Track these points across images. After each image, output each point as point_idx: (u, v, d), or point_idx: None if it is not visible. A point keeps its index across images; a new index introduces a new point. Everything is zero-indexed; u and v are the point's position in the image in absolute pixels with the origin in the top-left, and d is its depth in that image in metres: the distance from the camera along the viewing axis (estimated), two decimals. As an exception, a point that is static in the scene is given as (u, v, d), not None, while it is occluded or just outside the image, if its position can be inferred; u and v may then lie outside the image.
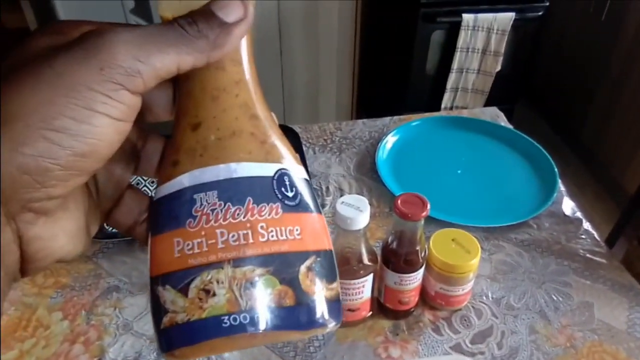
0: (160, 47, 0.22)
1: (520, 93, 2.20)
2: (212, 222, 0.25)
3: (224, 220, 0.25)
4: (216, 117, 0.26)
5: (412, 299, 0.65)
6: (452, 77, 1.91)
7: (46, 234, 0.23)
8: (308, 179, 0.29)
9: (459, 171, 0.92)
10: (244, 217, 0.25)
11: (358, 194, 0.87)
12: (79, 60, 0.21)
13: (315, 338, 0.65)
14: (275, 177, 0.26)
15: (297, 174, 0.28)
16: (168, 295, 0.25)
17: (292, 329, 0.25)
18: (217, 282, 0.25)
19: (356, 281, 0.59)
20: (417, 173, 0.91)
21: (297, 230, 0.27)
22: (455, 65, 1.88)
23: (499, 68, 1.89)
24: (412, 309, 0.67)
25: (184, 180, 0.26)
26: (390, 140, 0.96)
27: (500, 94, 1.98)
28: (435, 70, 1.96)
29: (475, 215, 0.81)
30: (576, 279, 0.72)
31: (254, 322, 0.25)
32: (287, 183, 0.27)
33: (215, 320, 0.24)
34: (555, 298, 0.70)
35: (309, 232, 0.27)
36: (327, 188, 0.88)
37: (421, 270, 0.62)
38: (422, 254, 0.62)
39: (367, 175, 0.90)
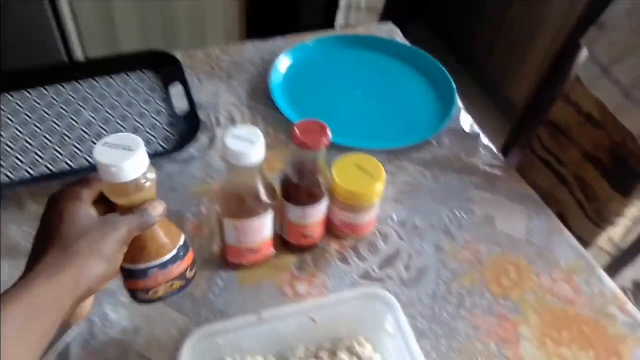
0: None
1: (413, 12, 2.17)
2: None
3: None
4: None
5: (317, 232, 0.61)
6: (344, -5, 1.83)
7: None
8: None
9: (357, 92, 0.87)
10: None
11: (252, 123, 0.80)
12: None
13: (214, 284, 0.59)
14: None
15: None
16: None
17: None
18: None
19: (254, 219, 0.54)
20: (314, 97, 0.85)
21: None
22: (347, -18, 1.79)
23: (391, -16, 1.83)
24: (317, 243, 0.63)
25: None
26: (283, 62, 0.88)
27: (394, 12, 1.94)
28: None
29: (377, 137, 0.78)
30: (478, 194, 0.72)
31: None
32: None
33: None
34: (459, 215, 0.69)
35: None
36: (217, 119, 0.79)
37: (325, 202, 0.58)
38: (325, 185, 0.57)
39: (261, 102, 0.83)
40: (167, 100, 0.82)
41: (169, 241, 0.44)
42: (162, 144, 0.75)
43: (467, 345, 0.56)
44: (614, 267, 0.80)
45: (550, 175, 0.88)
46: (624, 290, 1.47)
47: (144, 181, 0.40)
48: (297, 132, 0.52)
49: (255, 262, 0.60)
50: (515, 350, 0.56)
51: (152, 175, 0.41)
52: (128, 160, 0.38)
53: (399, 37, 1.00)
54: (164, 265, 0.45)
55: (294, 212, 0.57)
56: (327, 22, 1.90)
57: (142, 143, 0.39)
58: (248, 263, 0.60)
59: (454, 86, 0.86)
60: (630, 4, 0.74)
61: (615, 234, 0.84)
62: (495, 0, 2.03)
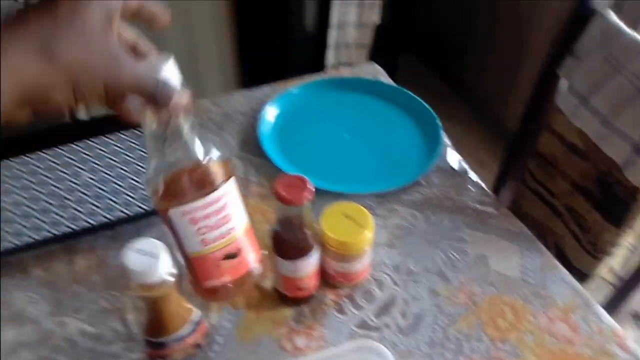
0: None
1: (402, 44, 2.21)
2: None
3: None
4: None
5: (311, 283, 0.61)
6: (332, 34, 1.87)
7: None
8: None
9: (345, 135, 0.89)
10: None
11: (244, 173, 0.81)
12: None
13: (214, 342, 0.60)
14: None
15: None
16: None
17: None
18: None
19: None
20: (303, 143, 0.87)
21: None
22: (334, 19, 1.84)
23: (376, 18, 1.88)
24: (313, 294, 0.64)
25: None
26: (270, 111, 0.90)
27: (383, 47, 1.98)
28: (315, 26, 1.90)
29: (367, 180, 0.79)
30: (470, 233, 0.73)
31: None
32: None
33: None
34: (452, 256, 0.70)
35: None
36: (211, 173, 0.81)
37: (315, 254, 0.59)
38: (314, 237, 0.58)
39: (253, 152, 0.84)
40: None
41: (182, 318, 0.54)
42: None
43: (467, 391, 0.56)
44: (618, 297, 0.80)
45: (543, 206, 0.89)
46: (636, 315, 1.45)
47: None
48: (279, 188, 0.53)
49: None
50: (516, 394, 0.56)
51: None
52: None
53: (382, 76, 1.02)
54: (179, 339, 0.54)
55: (286, 266, 0.58)
56: (318, 61, 1.94)
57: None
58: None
59: (439, 124, 0.88)
60: (602, 32, 0.76)
61: (615, 263, 0.85)
62: (482, 26, 2.07)
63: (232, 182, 0.47)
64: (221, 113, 0.92)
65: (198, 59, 1.84)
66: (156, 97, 0.37)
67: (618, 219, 0.75)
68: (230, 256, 0.48)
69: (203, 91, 1.88)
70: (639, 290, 0.77)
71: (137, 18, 0.39)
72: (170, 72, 0.39)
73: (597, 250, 0.79)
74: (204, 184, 0.45)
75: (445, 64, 2.36)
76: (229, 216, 0.47)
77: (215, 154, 0.46)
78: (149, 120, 0.41)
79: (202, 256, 0.47)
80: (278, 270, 0.59)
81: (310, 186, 0.53)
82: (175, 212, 0.45)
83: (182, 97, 0.39)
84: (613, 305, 0.80)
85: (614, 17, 0.76)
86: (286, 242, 0.56)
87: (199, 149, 0.45)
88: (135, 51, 0.40)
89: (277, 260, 0.58)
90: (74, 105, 0.33)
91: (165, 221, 0.47)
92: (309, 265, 0.59)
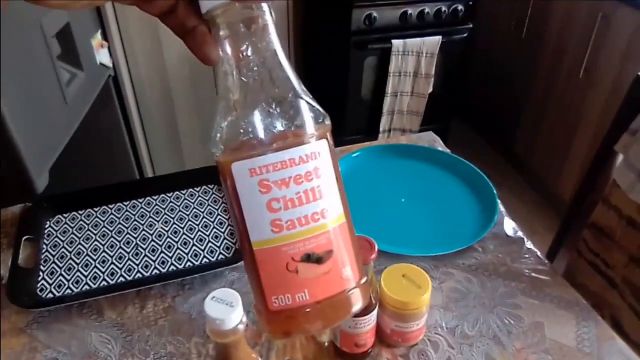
0: None
1: (454, 112, 2.27)
2: None
3: None
4: None
5: (369, 340, 0.64)
6: (387, 101, 1.95)
7: None
8: None
9: (402, 200, 0.93)
10: None
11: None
12: None
13: (272, 392, 0.62)
14: None
15: None
16: None
17: None
18: None
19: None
20: (361, 206, 0.91)
21: None
22: (389, 89, 1.92)
23: (430, 89, 1.95)
24: (369, 350, 0.66)
25: None
26: (332, 174, 0.96)
27: (435, 114, 2.04)
28: (370, 94, 1.99)
29: (423, 244, 0.82)
30: (525, 300, 0.74)
31: None
32: None
33: None
34: (507, 322, 0.71)
35: None
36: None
37: (375, 311, 0.61)
38: (374, 294, 0.61)
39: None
40: (228, 211, 0.90)
41: None
42: (223, 252, 0.82)
43: None
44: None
45: (598, 278, 0.89)
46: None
47: None
48: None
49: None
50: None
51: None
52: None
53: (439, 145, 1.06)
54: None
55: (345, 322, 0.61)
56: (371, 128, 2.01)
57: None
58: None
59: (495, 192, 0.91)
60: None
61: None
62: (536, 98, 2.10)
63: (326, 144, 0.34)
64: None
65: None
66: None
67: (678, 294, 0.74)
68: (315, 258, 0.32)
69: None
70: None
71: None
72: None
73: (657, 325, 0.78)
74: (285, 134, 0.32)
75: (498, 133, 2.39)
76: (318, 191, 0.33)
77: (308, 98, 0.34)
78: (222, 35, 0.32)
79: (272, 249, 0.32)
80: (338, 327, 0.62)
81: (375, 247, 0.57)
82: (239, 168, 0.31)
83: None
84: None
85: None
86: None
87: (287, 74, 0.33)
88: None
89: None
90: None
91: (226, 188, 0.33)
92: (369, 322, 0.61)
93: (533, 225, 1.93)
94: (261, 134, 0.31)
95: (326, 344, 0.67)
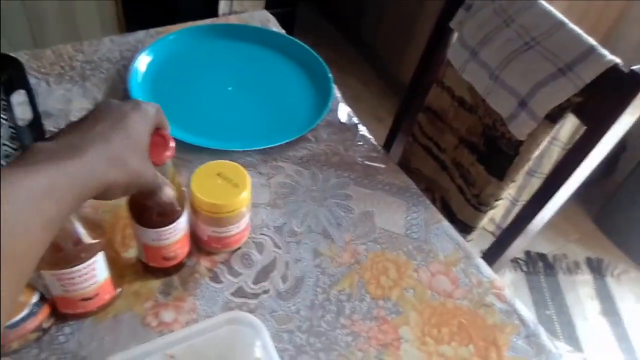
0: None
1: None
2: None
3: None
4: None
5: (180, 251, 0.55)
6: (226, -20, 1.74)
7: None
8: None
9: (229, 88, 0.81)
10: None
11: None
12: None
13: (65, 324, 0.52)
14: None
15: None
16: None
17: None
18: None
19: (78, 268, 0.46)
20: (179, 96, 0.78)
21: None
22: (228, -34, 1.71)
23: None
24: (183, 261, 0.57)
25: None
26: (144, 59, 0.80)
27: (280, -4, 1.88)
28: (207, -28, 1.76)
29: (251, 137, 0.73)
30: (356, 189, 0.70)
31: None
32: None
33: None
34: (337, 214, 0.66)
35: None
36: (70, 129, 0.70)
37: (182, 219, 0.52)
38: (179, 199, 0.51)
39: (121, 105, 0.74)
40: (9, 110, 0.71)
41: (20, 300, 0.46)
42: (2, 161, 0.65)
43: (347, 355, 0.54)
44: (498, 246, 0.82)
45: (432, 161, 0.88)
46: (517, 260, 1.54)
47: None
48: None
49: (95, 309, 0.52)
50: (396, 354, 0.54)
51: None
52: None
53: (274, 25, 0.94)
54: (15, 325, 0.46)
55: (147, 235, 0.51)
56: (210, 12, 1.81)
57: None
58: (86, 312, 0.52)
59: (330, 76, 0.83)
60: (493, -15, 0.74)
61: (496, 214, 0.86)
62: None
63: (101, 254, 0.48)
64: (85, 60, 0.80)
65: (76, 5, 1.64)
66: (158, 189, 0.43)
67: (501, 173, 0.75)
68: (90, 297, 0.50)
69: (77, 35, 1.70)
70: (516, 239, 0.78)
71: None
72: None
73: (481, 203, 0.79)
74: (72, 256, 0.46)
75: (345, 19, 2.31)
76: (94, 277, 0.49)
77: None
78: None
79: (64, 298, 0.49)
80: (139, 239, 0.52)
81: (171, 143, 0.46)
82: (46, 273, 0.47)
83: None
84: (493, 254, 0.81)
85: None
86: (147, 208, 0.49)
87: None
88: None
89: (137, 229, 0.51)
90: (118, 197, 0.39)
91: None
92: (176, 231, 0.52)
93: (378, 112, 1.95)
94: None
95: (134, 260, 0.57)
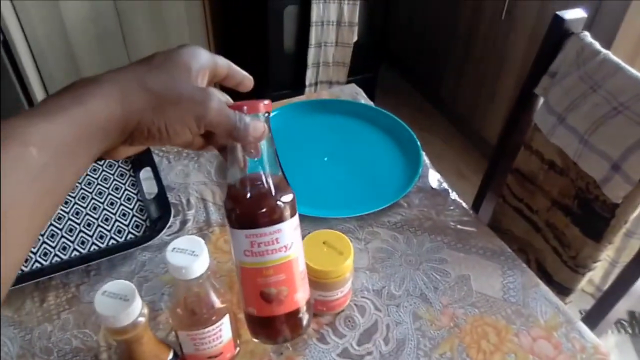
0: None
1: (380, 60, 2.23)
2: None
3: None
4: None
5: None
6: (311, 53, 1.88)
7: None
8: None
9: (325, 159, 0.88)
10: None
11: (223, 201, 0.80)
12: None
13: (191, 379, 0.58)
14: None
15: None
16: None
17: None
18: None
19: (210, 329, 0.52)
20: (283, 167, 0.86)
21: None
22: (312, 40, 1.85)
23: (355, 38, 1.89)
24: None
25: None
26: (249, 136, 0.89)
27: (361, 63, 1.99)
28: (294, 47, 1.91)
29: (347, 204, 0.78)
30: (450, 253, 0.72)
31: None
32: None
33: None
34: (433, 277, 0.69)
35: None
36: (188, 200, 0.79)
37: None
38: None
39: (230, 178, 0.83)
40: (137, 184, 0.82)
41: (158, 358, 0.50)
42: (132, 231, 0.75)
43: (453, 419, 0.55)
44: (599, 308, 0.80)
45: (523, 222, 0.89)
46: (620, 322, 1.46)
47: None
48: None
49: None
50: (502, 419, 0.55)
51: None
52: None
53: (362, 98, 1.02)
54: None
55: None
56: (296, 82, 1.94)
57: None
58: None
59: (419, 144, 0.88)
60: (577, 52, 0.76)
61: (595, 276, 0.85)
62: (460, 41, 2.09)
63: (226, 317, 0.54)
64: (198, 139, 0.90)
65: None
66: (238, 130, 0.39)
67: (597, 234, 0.75)
68: (215, 356, 0.56)
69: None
70: (619, 300, 0.77)
71: (225, 82, 0.44)
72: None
73: (578, 265, 0.79)
74: (204, 319, 0.52)
75: (424, 79, 2.38)
76: (221, 337, 0.55)
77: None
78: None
79: (193, 355, 0.55)
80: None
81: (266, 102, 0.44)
82: (181, 333, 0.53)
83: (259, 130, 0.41)
84: (595, 316, 0.79)
85: (588, 37, 0.77)
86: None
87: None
88: None
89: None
90: (166, 134, 0.37)
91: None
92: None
93: (461, 169, 1.96)
94: None
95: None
